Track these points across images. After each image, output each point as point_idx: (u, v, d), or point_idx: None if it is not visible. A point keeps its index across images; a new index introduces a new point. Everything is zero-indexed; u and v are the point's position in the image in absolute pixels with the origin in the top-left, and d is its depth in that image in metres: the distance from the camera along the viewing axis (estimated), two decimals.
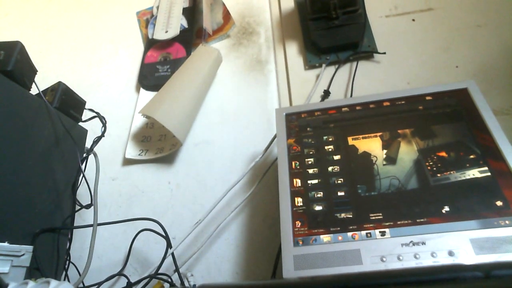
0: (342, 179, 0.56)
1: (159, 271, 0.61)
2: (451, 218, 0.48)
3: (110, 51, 1.09)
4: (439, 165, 0.54)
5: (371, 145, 0.59)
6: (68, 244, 0.66)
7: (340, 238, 0.50)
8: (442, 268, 0.43)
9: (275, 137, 0.70)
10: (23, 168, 0.55)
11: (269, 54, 0.95)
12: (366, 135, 0.60)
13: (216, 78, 0.94)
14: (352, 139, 0.60)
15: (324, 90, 0.82)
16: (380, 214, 0.51)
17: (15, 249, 0.51)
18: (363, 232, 0.50)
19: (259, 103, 0.87)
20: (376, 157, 0.57)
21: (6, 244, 0.50)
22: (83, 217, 0.77)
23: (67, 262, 0.66)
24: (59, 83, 0.66)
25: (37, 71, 0.61)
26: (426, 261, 0.45)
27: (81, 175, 0.66)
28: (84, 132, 0.72)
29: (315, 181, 0.57)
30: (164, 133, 0.87)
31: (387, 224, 0.50)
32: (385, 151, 0.58)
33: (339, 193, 0.55)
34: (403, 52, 0.84)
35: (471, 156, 0.53)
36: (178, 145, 0.83)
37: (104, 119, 0.69)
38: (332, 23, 0.85)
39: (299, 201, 0.55)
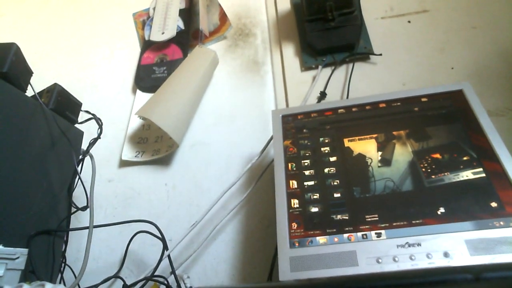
0: (338, 181, 0.56)
1: (155, 273, 0.61)
2: (446, 219, 0.48)
3: (106, 53, 1.08)
4: (433, 166, 0.54)
5: (366, 147, 0.59)
6: (63, 246, 0.65)
7: (336, 239, 0.50)
8: (433, 271, 0.43)
9: (271, 138, 0.70)
10: (18, 170, 0.55)
11: (266, 56, 0.95)
12: (362, 137, 0.60)
13: (212, 79, 0.94)
14: (348, 140, 0.61)
15: (321, 91, 0.82)
16: (376, 216, 0.51)
17: (9, 252, 0.51)
18: (359, 234, 0.50)
19: (256, 105, 0.87)
20: (371, 159, 0.57)
21: (0, 247, 0.50)
22: (79, 219, 0.76)
23: (63, 264, 0.66)
24: (55, 84, 0.66)
25: (32, 72, 0.61)
26: (422, 263, 0.45)
27: (77, 177, 0.66)
28: (80, 133, 0.71)
29: (311, 183, 0.57)
30: (160, 135, 0.87)
31: (382, 225, 0.50)
32: (380, 153, 0.58)
33: (335, 195, 0.55)
34: (399, 54, 0.85)
35: (465, 158, 0.54)
36: (175, 147, 0.83)
37: (100, 120, 0.69)
38: (328, 25, 0.85)
39: (295, 202, 0.55)
